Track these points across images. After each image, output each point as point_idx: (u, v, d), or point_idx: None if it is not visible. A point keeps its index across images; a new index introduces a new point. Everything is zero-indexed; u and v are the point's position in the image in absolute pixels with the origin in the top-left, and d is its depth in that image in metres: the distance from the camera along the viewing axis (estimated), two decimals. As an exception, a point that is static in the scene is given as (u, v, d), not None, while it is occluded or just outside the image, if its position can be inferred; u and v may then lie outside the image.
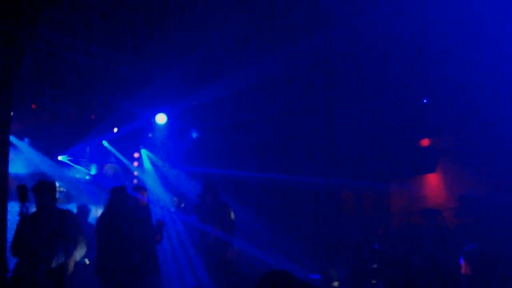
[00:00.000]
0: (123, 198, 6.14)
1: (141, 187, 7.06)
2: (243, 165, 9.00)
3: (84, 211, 8.41)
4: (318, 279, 4.26)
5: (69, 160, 9.86)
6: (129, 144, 10.07)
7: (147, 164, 10.16)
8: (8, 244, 5.54)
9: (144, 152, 10.27)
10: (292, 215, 8.60)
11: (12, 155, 8.80)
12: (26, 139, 9.26)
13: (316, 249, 7.90)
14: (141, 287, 5.84)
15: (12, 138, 8.92)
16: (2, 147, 4.16)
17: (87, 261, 7.34)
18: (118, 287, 5.79)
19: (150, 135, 10.11)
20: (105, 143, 10.07)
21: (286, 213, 8.62)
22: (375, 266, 6.22)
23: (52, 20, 5.83)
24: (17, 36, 3.73)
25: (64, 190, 9.88)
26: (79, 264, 5.95)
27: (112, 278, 5.80)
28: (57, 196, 5.77)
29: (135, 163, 10.25)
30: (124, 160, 10.19)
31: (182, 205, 7.50)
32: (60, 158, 9.78)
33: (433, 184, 8.55)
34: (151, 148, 10.20)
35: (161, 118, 9.61)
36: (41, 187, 5.57)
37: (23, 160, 9.23)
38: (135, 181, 10.11)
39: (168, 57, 7.37)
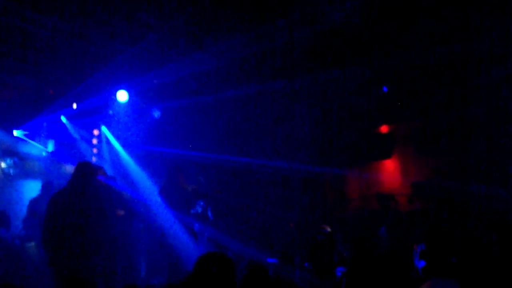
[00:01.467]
0: (88, 175, 5.86)
1: (99, 167, 6.99)
2: (203, 147, 8.98)
3: (49, 187, 8.30)
4: (275, 263, 4.32)
5: (24, 135, 9.58)
6: (88, 121, 9.86)
7: (113, 141, 9.95)
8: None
9: (104, 129, 10.08)
10: (250, 198, 8.66)
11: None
12: (-20, 113, 8.97)
13: (273, 234, 8.00)
14: (85, 266, 5.57)
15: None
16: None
17: None
18: (62, 262, 5.51)
19: (110, 112, 9.91)
20: (63, 118, 9.82)
21: (243, 196, 8.66)
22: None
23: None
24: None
25: (19, 166, 9.65)
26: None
27: (58, 253, 5.52)
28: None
29: (94, 140, 10.06)
30: (78, 136, 9.99)
31: None
32: (15, 133, 9.48)
33: (389, 170, 8.80)
34: (111, 125, 10.02)
35: (122, 95, 9.43)
36: None
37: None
38: (94, 158, 9.95)
39: (131, 34, 7.22)
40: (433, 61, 6.62)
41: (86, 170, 5.83)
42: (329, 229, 5.85)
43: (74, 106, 9.70)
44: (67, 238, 5.50)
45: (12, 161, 9.56)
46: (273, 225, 8.09)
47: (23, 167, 9.67)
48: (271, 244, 7.30)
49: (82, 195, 5.68)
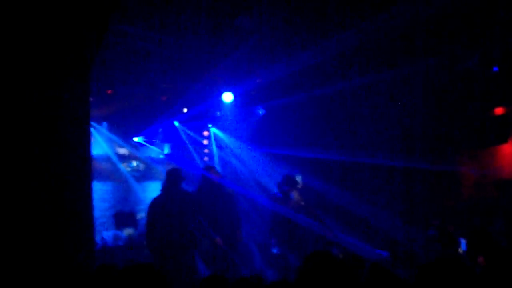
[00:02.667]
0: (177, 180, 6.80)
1: (211, 167, 7.47)
2: (306, 143, 9.07)
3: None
4: (386, 256, 4.31)
5: (144, 141, 10.43)
6: (198, 123, 10.46)
7: (223, 140, 10.49)
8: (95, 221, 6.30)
9: (213, 130, 10.63)
10: (356, 195, 8.61)
11: (92, 138, 9.52)
12: (104, 123, 9.93)
13: (380, 230, 7.89)
14: (180, 261, 6.50)
15: (92, 123, 9.59)
16: (85, 131, 4.54)
17: None
18: (163, 259, 6.48)
19: (218, 113, 10.42)
20: (176, 123, 10.52)
21: (350, 192, 8.64)
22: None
23: (124, 13, 6.22)
24: (91, 31, 4.05)
25: (142, 169, 10.50)
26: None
27: (160, 252, 6.54)
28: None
29: (205, 141, 10.65)
30: (190, 139, 10.62)
31: None
32: (135, 139, 10.36)
33: (508, 154, 8.23)
34: (220, 126, 10.53)
35: (227, 97, 9.87)
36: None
37: (101, 142, 9.90)
38: (205, 158, 10.54)
39: (232, 39, 7.53)
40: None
41: (172, 177, 6.83)
42: (437, 222, 5.66)
43: (185, 110, 10.36)
44: (162, 238, 6.55)
45: (135, 164, 10.45)
46: (380, 220, 7.98)
47: (144, 170, 10.50)
48: (378, 240, 7.22)
49: (172, 200, 6.66)
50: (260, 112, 10.25)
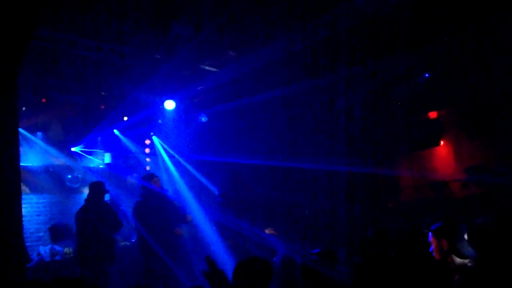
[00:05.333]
0: (99, 193, 7.20)
1: (151, 175, 7.35)
2: (250, 149, 9.09)
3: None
4: (316, 257, 4.36)
5: (82, 151, 10.09)
6: (139, 132, 10.24)
7: (162, 150, 10.34)
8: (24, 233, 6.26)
9: (155, 139, 10.43)
10: (299, 197, 8.71)
11: (26, 149, 9.10)
12: (39, 133, 9.52)
13: (323, 231, 8.03)
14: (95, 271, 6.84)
15: (25, 133, 9.18)
16: (12, 142, 4.33)
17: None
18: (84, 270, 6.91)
19: (160, 121, 10.25)
20: (116, 131, 10.25)
21: (293, 195, 8.73)
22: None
23: (54, 18, 6.02)
24: (17, 35, 3.86)
25: (80, 180, 10.14)
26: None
27: (82, 262, 6.96)
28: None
29: (147, 150, 10.44)
30: (133, 149, 10.40)
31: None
32: (73, 149, 10.00)
33: (442, 156, 8.58)
34: (161, 135, 10.36)
35: (169, 104, 9.74)
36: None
37: (37, 154, 9.48)
38: (147, 167, 10.32)
39: (169, 46, 7.44)
40: (477, 44, 6.42)
41: (97, 190, 7.20)
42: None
43: (125, 118, 10.12)
44: (83, 248, 6.96)
45: (72, 176, 10.07)
46: (323, 221, 8.11)
47: (83, 181, 10.16)
48: (319, 240, 7.34)
49: (92, 212, 7.05)
50: (203, 119, 10.17)
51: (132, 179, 10.17)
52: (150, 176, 7.36)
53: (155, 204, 7.02)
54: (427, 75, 7.43)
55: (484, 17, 6.23)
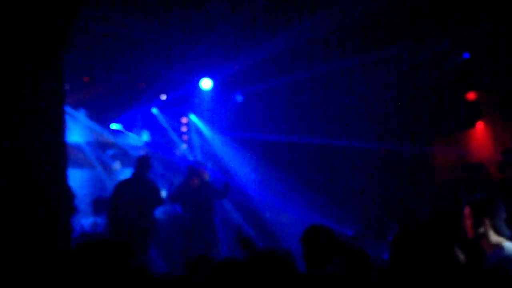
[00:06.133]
0: (145, 167, 7.24)
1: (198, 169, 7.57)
2: (286, 129, 9.18)
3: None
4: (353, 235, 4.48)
5: (122, 128, 10.40)
6: (176, 110, 10.46)
7: (202, 127, 10.54)
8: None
9: (193, 117, 10.64)
10: (337, 177, 8.78)
11: (70, 125, 9.48)
12: (82, 110, 9.87)
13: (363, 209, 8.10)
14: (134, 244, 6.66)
15: (69, 109, 9.53)
16: (59, 117, 4.54)
17: None
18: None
19: (196, 100, 10.43)
20: (154, 110, 10.50)
21: (330, 175, 8.81)
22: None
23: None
24: (64, 15, 4.04)
25: (120, 156, 10.49)
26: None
27: (117, 233, 6.97)
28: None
29: (183, 128, 10.68)
30: (168, 125, 10.64)
31: None
32: (113, 126, 10.33)
33: (479, 138, 8.45)
34: (198, 113, 10.55)
35: (206, 83, 9.87)
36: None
37: (80, 129, 9.86)
38: (184, 146, 10.58)
39: (206, 25, 7.54)
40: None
41: (140, 164, 7.24)
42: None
43: (163, 97, 10.35)
44: (122, 219, 6.99)
45: (113, 152, 10.43)
46: (358, 201, 8.17)
47: (123, 157, 10.49)
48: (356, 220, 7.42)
49: (136, 185, 7.11)
50: (238, 99, 10.28)
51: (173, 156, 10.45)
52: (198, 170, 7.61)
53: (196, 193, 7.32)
54: (467, 55, 7.29)
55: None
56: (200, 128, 10.53)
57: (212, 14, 7.37)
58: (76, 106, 9.74)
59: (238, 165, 9.69)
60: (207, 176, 7.55)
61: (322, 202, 8.22)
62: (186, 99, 10.33)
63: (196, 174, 7.48)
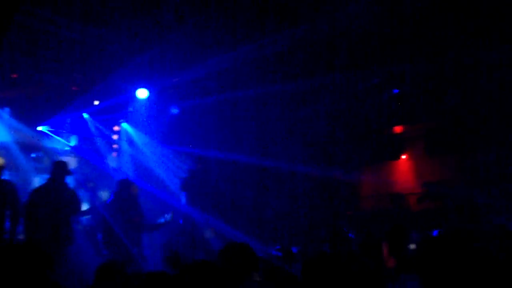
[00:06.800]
0: (62, 173, 6.89)
1: (128, 181, 7.41)
2: (219, 146, 9.20)
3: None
4: (278, 255, 4.54)
5: (49, 130, 9.95)
6: (109, 117, 10.17)
7: (135, 137, 10.30)
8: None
9: (126, 126, 10.39)
10: (264, 197, 8.88)
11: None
12: (7, 108, 9.35)
13: (284, 231, 8.21)
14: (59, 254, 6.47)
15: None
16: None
17: None
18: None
19: (130, 109, 10.21)
20: (85, 115, 10.16)
21: (258, 195, 8.89)
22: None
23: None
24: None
25: (45, 160, 10.01)
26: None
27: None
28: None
29: (114, 136, 10.39)
30: (99, 132, 10.33)
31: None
32: (40, 128, 9.86)
33: (402, 170, 8.90)
34: (131, 122, 10.32)
35: (142, 93, 9.69)
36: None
37: (3, 129, 9.31)
38: (114, 154, 10.29)
39: (151, 34, 7.46)
40: (443, 64, 6.71)
41: (57, 169, 6.86)
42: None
43: (96, 103, 10.04)
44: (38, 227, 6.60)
45: (36, 155, 9.93)
46: (285, 222, 8.29)
47: (47, 161, 10.02)
48: (279, 239, 7.52)
49: (53, 192, 6.74)
50: (174, 111, 10.19)
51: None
52: (127, 183, 7.43)
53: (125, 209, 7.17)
54: (396, 90, 7.70)
55: (455, 42, 6.53)
56: (132, 137, 10.30)
57: (156, 25, 7.31)
58: (0, 104, 9.22)
59: (168, 176, 9.56)
60: (135, 190, 7.39)
61: (250, 220, 8.27)
62: (120, 107, 10.08)
63: (126, 188, 7.30)
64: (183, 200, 7.99)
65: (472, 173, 7.82)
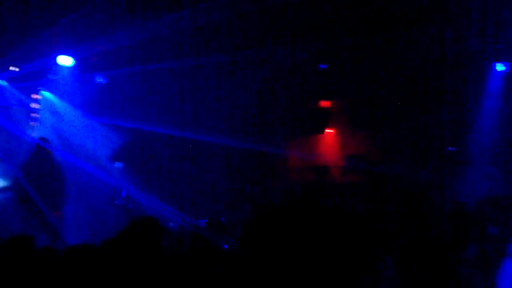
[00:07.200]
0: None
1: (45, 139, 7.15)
2: (145, 117, 9.05)
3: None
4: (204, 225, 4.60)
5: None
6: (29, 84, 9.61)
7: (56, 105, 9.82)
8: None
9: (47, 94, 9.87)
10: (191, 168, 8.88)
11: None
12: None
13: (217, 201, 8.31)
14: None
15: None
16: None
17: None
18: None
19: (52, 76, 9.68)
20: (2, 82, 9.54)
21: (184, 166, 8.89)
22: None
23: None
24: None
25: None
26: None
27: None
28: None
29: (33, 105, 9.84)
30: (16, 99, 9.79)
31: None
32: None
33: (328, 143, 9.24)
34: (52, 91, 9.82)
35: (64, 60, 9.23)
36: None
37: None
38: (33, 123, 9.77)
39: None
40: (369, 40, 6.99)
41: None
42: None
43: (14, 68, 9.44)
44: None
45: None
46: (214, 194, 8.38)
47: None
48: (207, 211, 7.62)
49: None
50: (99, 80, 9.81)
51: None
52: (43, 140, 7.17)
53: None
54: (324, 66, 7.91)
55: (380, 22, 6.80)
56: (54, 106, 9.82)
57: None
58: None
59: (94, 148, 9.27)
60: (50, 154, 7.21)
61: (178, 191, 8.28)
62: (41, 74, 9.54)
63: (41, 152, 7.07)
64: (113, 172, 7.82)
65: (389, 147, 8.27)
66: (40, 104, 9.88)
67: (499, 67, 8.00)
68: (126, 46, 8.40)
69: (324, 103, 9.06)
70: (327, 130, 9.16)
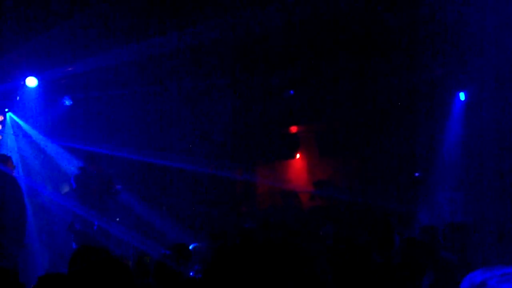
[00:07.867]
0: None
1: (7, 157, 6.95)
2: (114, 141, 8.93)
3: None
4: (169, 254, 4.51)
5: None
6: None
7: (22, 128, 9.60)
8: None
9: (11, 115, 9.66)
10: (159, 193, 8.78)
11: None
12: None
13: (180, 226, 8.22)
14: None
15: None
16: None
17: None
18: None
19: (18, 98, 9.51)
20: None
21: (152, 191, 8.78)
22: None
23: None
24: None
25: None
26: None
27: None
28: None
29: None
30: None
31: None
32: None
33: (296, 168, 9.29)
34: (18, 113, 9.63)
35: (31, 81, 9.09)
36: None
37: None
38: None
39: (43, 21, 7.05)
40: (337, 67, 7.13)
41: None
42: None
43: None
44: None
45: None
46: (183, 219, 8.29)
47: None
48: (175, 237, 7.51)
49: None
50: (67, 103, 9.67)
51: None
52: (4, 158, 6.94)
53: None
54: (291, 92, 8.03)
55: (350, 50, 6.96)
56: (19, 129, 9.61)
57: (51, 11, 6.94)
58: None
59: (55, 172, 9.10)
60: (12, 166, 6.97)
61: (144, 217, 8.16)
62: (7, 95, 9.35)
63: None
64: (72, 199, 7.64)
65: (357, 173, 8.38)
66: (2, 125, 9.66)
67: (462, 96, 8.25)
68: (96, 69, 8.35)
69: (293, 129, 9.16)
70: (297, 156, 9.24)
